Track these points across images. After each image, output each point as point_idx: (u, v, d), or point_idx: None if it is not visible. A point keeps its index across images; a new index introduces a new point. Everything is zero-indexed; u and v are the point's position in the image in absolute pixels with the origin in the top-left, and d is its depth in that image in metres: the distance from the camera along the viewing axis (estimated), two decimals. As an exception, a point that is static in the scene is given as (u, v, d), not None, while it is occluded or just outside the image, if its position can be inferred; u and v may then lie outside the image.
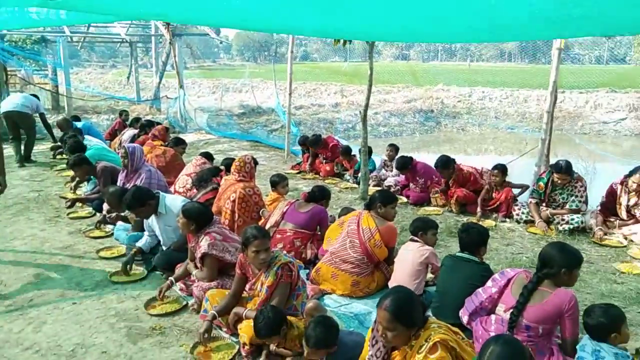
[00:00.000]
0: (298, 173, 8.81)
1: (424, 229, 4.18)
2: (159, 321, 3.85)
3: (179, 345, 3.54)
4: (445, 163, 6.68)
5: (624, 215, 5.84)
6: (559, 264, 3.05)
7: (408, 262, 4.06)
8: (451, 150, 15.46)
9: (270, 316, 3.15)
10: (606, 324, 2.82)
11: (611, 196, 5.99)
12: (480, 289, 3.45)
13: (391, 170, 7.91)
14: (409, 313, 2.52)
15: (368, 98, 6.93)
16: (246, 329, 3.37)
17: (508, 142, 18.31)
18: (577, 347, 2.90)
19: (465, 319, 3.44)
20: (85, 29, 15.31)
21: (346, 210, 5.29)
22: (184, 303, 4.10)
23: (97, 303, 4.12)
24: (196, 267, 4.14)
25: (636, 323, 3.82)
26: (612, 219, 5.87)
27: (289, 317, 3.29)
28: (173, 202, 4.68)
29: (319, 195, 5.16)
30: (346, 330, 3.52)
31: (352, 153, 8.37)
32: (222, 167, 6.35)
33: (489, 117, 21.45)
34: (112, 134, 10.28)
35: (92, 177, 6.59)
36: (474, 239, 3.73)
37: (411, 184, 7.20)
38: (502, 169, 6.35)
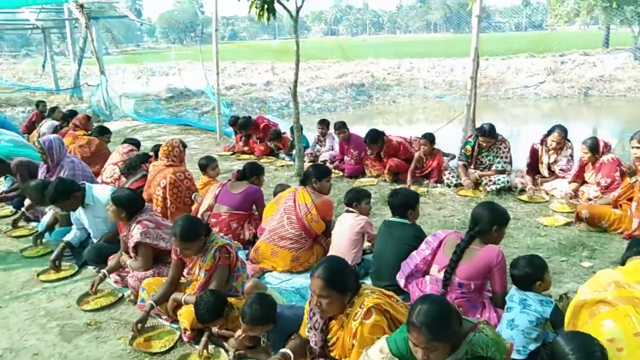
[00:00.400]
0: (232, 154, 8.68)
1: (357, 199, 4.24)
2: (94, 316, 3.72)
3: (117, 338, 3.43)
4: (374, 137, 6.78)
5: (545, 172, 6.18)
6: (489, 222, 3.20)
7: (345, 232, 4.11)
8: (384, 122, 15.76)
9: (211, 300, 3.11)
10: (531, 273, 2.98)
11: (534, 156, 6.30)
12: (414, 252, 3.55)
13: (324, 146, 7.94)
14: (341, 279, 2.56)
15: (297, 74, 6.89)
16: (186, 315, 3.32)
17: (437, 110, 18.84)
18: (506, 298, 3.06)
19: (402, 282, 3.54)
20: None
21: (280, 187, 5.27)
22: (120, 295, 3.97)
23: (24, 304, 3.91)
24: (130, 257, 4.00)
25: (559, 271, 4.07)
26: (536, 177, 6.19)
27: (229, 299, 3.27)
28: (100, 192, 4.48)
29: (250, 173, 4.99)
30: (287, 305, 3.53)
31: (283, 132, 8.30)
32: (152, 154, 6.14)
33: (418, 87, 21.97)
34: (30, 127, 9.66)
35: (8, 175, 6.17)
36: (402, 203, 3.83)
37: (345, 157, 7.27)
38: (429, 138, 6.52)
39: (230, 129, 9.96)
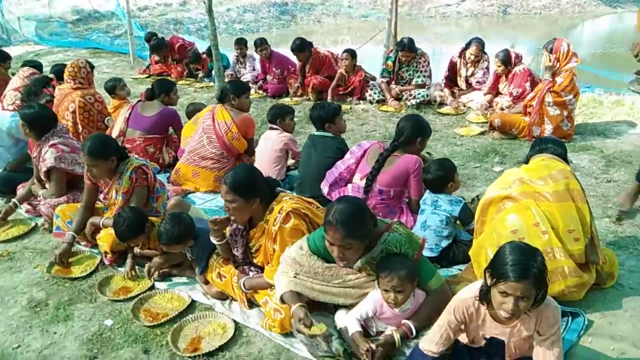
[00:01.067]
0: (148, 77, 8.22)
1: (281, 115, 4.19)
2: (5, 247, 3.54)
3: (33, 267, 3.30)
4: (301, 46, 6.64)
5: (463, 85, 6.36)
6: (413, 134, 3.29)
7: (268, 149, 4.08)
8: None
9: (131, 217, 3.03)
10: (442, 175, 3.12)
11: (452, 68, 6.43)
12: (339, 162, 3.61)
13: (245, 67, 7.68)
14: (246, 185, 2.57)
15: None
16: (105, 238, 3.24)
17: (362, 30, 18.61)
18: (421, 201, 3.20)
19: (325, 190, 3.61)
20: None
21: (192, 107, 5.09)
22: (33, 224, 3.79)
23: None
24: (42, 184, 3.78)
25: (473, 176, 4.30)
26: (453, 90, 6.36)
27: (150, 218, 3.19)
28: (1, 119, 4.12)
29: (160, 90, 4.70)
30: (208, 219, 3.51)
31: (202, 53, 7.93)
32: (52, 76, 5.66)
33: (343, 6, 21.49)
34: None
35: None
36: (322, 115, 3.83)
37: (268, 76, 7.09)
38: (351, 53, 6.45)
39: (145, 53, 9.42)
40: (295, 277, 2.42)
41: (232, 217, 2.67)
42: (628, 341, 2.38)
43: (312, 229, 2.63)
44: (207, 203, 4.10)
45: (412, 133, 3.31)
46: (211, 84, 7.49)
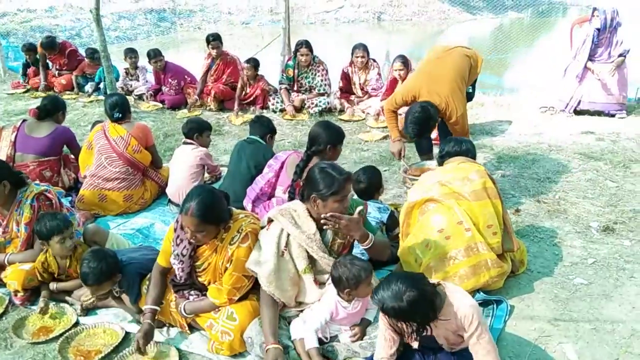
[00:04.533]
0: (25, 92, 7.50)
1: (199, 130, 4.10)
2: None
3: None
4: (219, 36, 6.68)
5: (359, 92, 6.63)
6: (325, 141, 3.29)
7: (184, 164, 3.96)
8: (191, 50, 15.06)
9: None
10: (375, 182, 3.27)
11: (345, 79, 6.69)
12: (258, 177, 3.59)
13: (137, 80, 7.32)
14: (216, 212, 2.48)
15: (96, -6, 6.09)
16: (15, 275, 2.95)
17: (245, 37, 18.63)
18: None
19: (249, 207, 3.58)
20: None
21: (98, 124, 4.78)
22: None
23: None
24: None
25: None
26: (351, 98, 6.61)
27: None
28: None
29: (53, 108, 4.30)
30: (133, 247, 3.33)
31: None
32: None
33: (223, 12, 21.29)
34: None
35: None
36: (261, 127, 3.89)
37: (164, 87, 6.84)
38: (253, 64, 6.46)
39: (16, 63, 8.58)
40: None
41: (195, 242, 2.54)
42: (544, 320, 2.69)
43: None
44: (121, 226, 3.87)
45: (324, 140, 3.30)
46: (100, 97, 7.03)
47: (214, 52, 6.64)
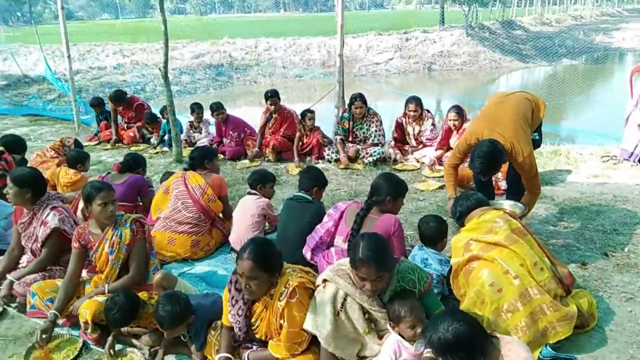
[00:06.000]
0: (97, 144, 8.02)
1: (262, 182, 4.26)
2: (-28, 336, 3.27)
3: (7, 357, 3.07)
4: (277, 92, 6.90)
5: (413, 142, 6.72)
6: (385, 192, 3.36)
7: (247, 214, 4.10)
8: (247, 103, 15.71)
9: (124, 303, 2.93)
10: (441, 231, 3.29)
11: (399, 129, 6.80)
12: (318, 226, 3.66)
13: (200, 132, 7.70)
14: (269, 259, 2.57)
15: (166, 54, 6.57)
16: (88, 305, 3.07)
17: (297, 89, 19.28)
18: (409, 257, 3.33)
19: (308, 255, 3.64)
20: None
21: (169, 174, 5.06)
22: (0, 309, 3.53)
23: None
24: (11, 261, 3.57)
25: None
26: (405, 148, 6.70)
27: (141, 294, 3.10)
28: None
29: (134, 164, 4.78)
30: (200, 294, 3.44)
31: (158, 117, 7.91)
32: (2, 148, 5.43)
33: (277, 67, 22.16)
34: None
35: None
36: (309, 180, 3.94)
37: (225, 139, 7.16)
38: (314, 114, 6.71)
39: (87, 117, 9.21)
40: None
41: (248, 295, 2.62)
42: (621, 381, 2.56)
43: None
44: (186, 273, 4.01)
45: (388, 191, 3.37)
46: (165, 149, 7.43)
47: (271, 108, 6.92)
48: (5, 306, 3.52)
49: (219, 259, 4.25)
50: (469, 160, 3.90)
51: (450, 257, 3.35)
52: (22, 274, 3.47)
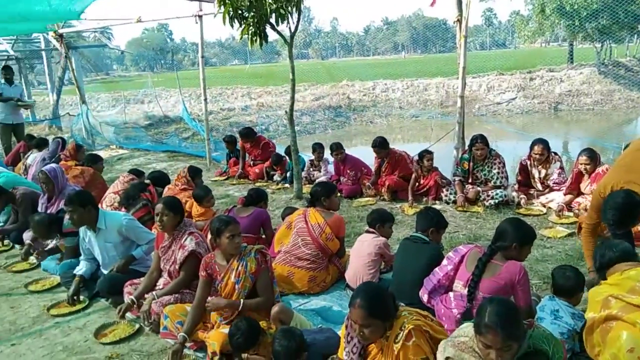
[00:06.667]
0: (226, 179, 8.65)
1: (381, 222, 4.29)
2: (114, 349, 3.63)
3: (142, 370, 3.36)
4: (382, 143, 6.97)
5: (539, 186, 6.36)
6: (512, 238, 3.21)
7: (363, 253, 4.14)
8: (362, 142, 15.98)
9: (247, 328, 3.09)
10: (580, 284, 3.08)
11: (524, 172, 6.49)
12: (436, 268, 3.59)
13: (319, 171, 7.99)
14: (382, 307, 2.57)
15: (293, 97, 6.97)
16: (216, 336, 3.26)
17: (414, 129, 19.25)
18: (537, 307, 3.13)
19: (425, 298, 3.57)
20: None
21: (290, 210, 5.30)
22: (137, 326, 3.88)
23: (39, 340, 3.80)
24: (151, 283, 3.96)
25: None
26: (530, 191, 6.37)
27: (261, 323, 3.25)
28: (112, 217, 4.43)
29: (257, 198, 5.12)
30: (315, 329, 3.52)
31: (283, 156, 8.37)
32: (148, 181, 6.08)
33: (394, 107, 22.39)
34: (15, 158, 9.42)
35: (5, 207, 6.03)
36: (426, 221, 3.89)
37: (342, 178, 7.34)
38: (432, 154, 6.70)
39: (217, 154, 9.97)
40: None
41: (361, 340, 2.64)
42: None
43: (434, 346, 2.59)
44: (302, 306, 4.12)
45: (515, 238, 3.23)
46: (287, 185, 7.80)
47: (338, 158, 7.31)
48: (141, 324, 3.87)
49: (334, 294, 4.32)
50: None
51: (584, 311, 3.10)
52: (162, 294, 3.81)
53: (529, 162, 6.40)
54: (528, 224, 3.36)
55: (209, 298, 3.49)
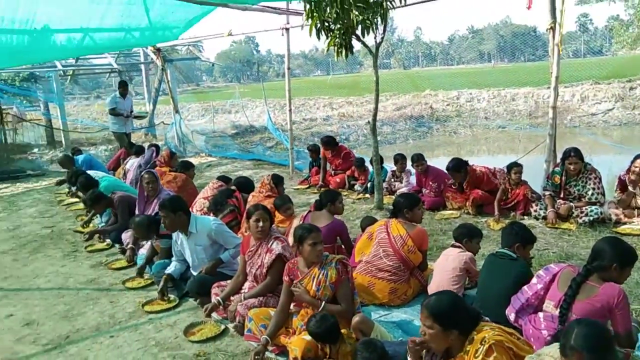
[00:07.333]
0: (307, 188, 8.81)
1: (469, 237, 4.19)
2: (201, 347, 3.79)
3: (227, 370, 3.49)
4: (457, 166, 6.72)
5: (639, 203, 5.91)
6: (610, 259, 3.02)
7: (448, 267, 4.06)
8: (445, 153, 15.62)
9: (330, 321, 3.16)
10: None
11: (623, 187, 6.05)
12: (525, 286, 3.44)
13: (401, 182, 7.92)
14: (447, 314, 2.52)
15: (376, 108, 6.97)
16: (298, 342, 3.31)
17: (500, 141, 18.52)
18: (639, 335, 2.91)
19: (512, 317, 3.43)
20: (74, 62, 15.23)
21: (368, 219, 5.29)
22: (222, 327, 4.04)
23: (134, 334, 4.06)
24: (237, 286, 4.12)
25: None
26: (631, 209, 5.92)
27: (342, 330, 3.28)
28: (202, 221, 4.67)
29: (326, 199, 5.06)
30: (396, 341, 3.49)
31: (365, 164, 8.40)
32: (234, 188, 6.33)
33: (479, 118, 21.71)
34: (117, 164, 10.19)
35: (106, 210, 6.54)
36: (512, 236, 3.74)
37: (424, 189, 7.23)
38: (520, 167, 6.44)
39: (299, 162, 10.18)
40: None
41: (427, 342, 2.62)
42: None
43: (516, 363, 2.49)
44: (382, 317, 4.10)
45: (614, 258, 3.03)
46: (367, 195, 7.80)
47: (419, 169, 7.24)
48: (226, 325, 4.03)
49: (415, 308, 4.24)
50: None
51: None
52: (249, 296, 3.96)
53: (627, 177, 5.96)
54: (629, 244, 3.15)
55: (294, 287, 3.56)
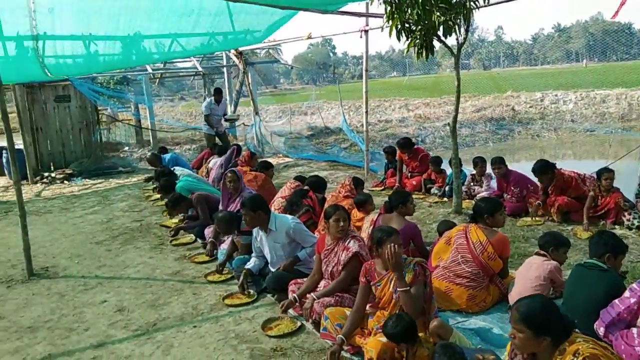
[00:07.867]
0: (382, 190, 8.77)
1: (556, 245, 4.02)
2: (278, 342, 3.90)
3: (303, 366, 3.56)
4: (543, 168, 6.42)
5: None
6: None
7: (531, 276, 3.91)
8: (527, 157, 14.96)
9: (408, 320, 3.15)
10: None
11: None
12: (616, 300, 3.25)
13: (480, 186, 7.69)
14: (538, 318, 2.45)
15: (457, 109, 6.82)
16: (373, 344, 3.31)
17: (587, 145, 17.49)
18: None
19: (601, 331, 3.26)
20: (162, 66, 16.10)
21: (445, 224, 5.19)
22: (299, 324, 4.12)
23: (215, 326, 4.24)
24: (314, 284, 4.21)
25: None
26: None
27: (420, 334, 3.25)
28: (281, 220, 4.81)
29: (397, 201, 4.99)
30: (474, 348, 3.41)
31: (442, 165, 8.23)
32: (307, 188, 6.42)
33: (565, 120, 20.59)
34: (200, 163, 10.70)
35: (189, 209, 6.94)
36: (601, 246, 3.56)
37: (505, 195, 6.97)
38: (612, 173, 6.06)
39: (373, 164, 10.15)
40: None
41: (513, 346, 2.57)
42: None
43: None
44: (460, 324, 4.01)
45: None
46: (445, 199, 7.65)
47: (497, 173, 7.01)
48: (302, 322, 4.11)
49: (494, 316, 4.12)
50: None
51: None
52: (323, 293, 4.03)
53: None
54: None
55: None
